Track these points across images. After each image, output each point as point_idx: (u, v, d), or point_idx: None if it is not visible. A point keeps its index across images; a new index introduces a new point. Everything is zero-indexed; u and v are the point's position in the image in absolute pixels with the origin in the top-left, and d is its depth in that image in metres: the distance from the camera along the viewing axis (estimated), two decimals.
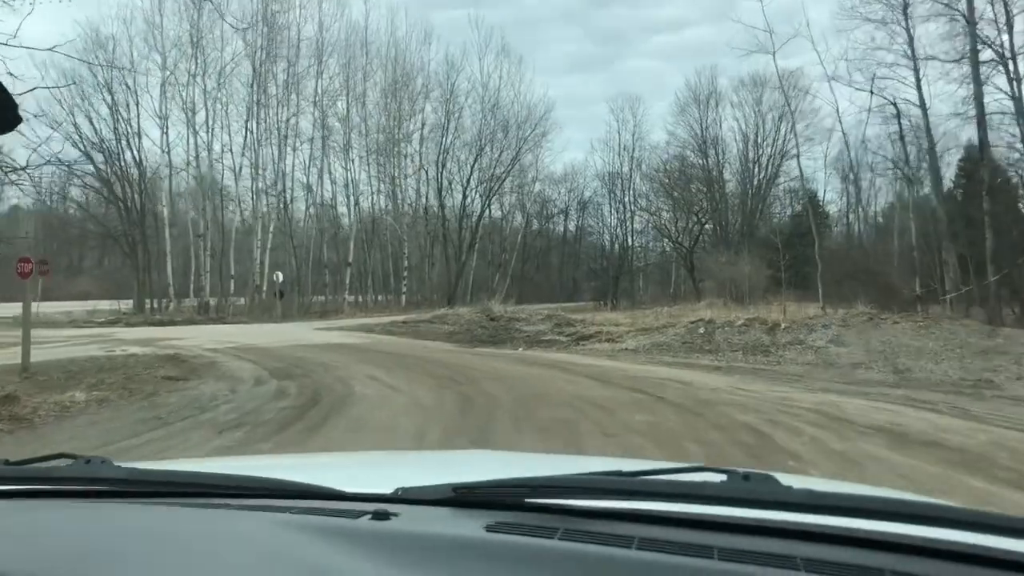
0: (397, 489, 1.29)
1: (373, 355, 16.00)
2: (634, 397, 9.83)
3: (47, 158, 11.03)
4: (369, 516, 1.17)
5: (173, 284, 32.77)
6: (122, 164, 32.12)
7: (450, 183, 46.40)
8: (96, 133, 31.80)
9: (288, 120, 37.34)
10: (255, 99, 35.10)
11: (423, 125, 44.34)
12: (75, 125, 30.92)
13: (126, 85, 32.28)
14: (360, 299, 41.97)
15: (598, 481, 1.26)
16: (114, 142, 31.98)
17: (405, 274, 43.00)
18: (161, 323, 29.65)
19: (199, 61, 33.36)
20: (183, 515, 1.22)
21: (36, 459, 1.49)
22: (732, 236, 48.37)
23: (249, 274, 35.31)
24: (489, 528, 1.12)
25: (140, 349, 16.80)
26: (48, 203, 38.58)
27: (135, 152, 32.60)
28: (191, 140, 33.98)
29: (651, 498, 1.17)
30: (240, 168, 35.24)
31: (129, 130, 32.51)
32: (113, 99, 31.79)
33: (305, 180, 39.34)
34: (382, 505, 1.20)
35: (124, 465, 1.42)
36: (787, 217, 52.03)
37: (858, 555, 1.01)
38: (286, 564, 1.02)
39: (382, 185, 43.98)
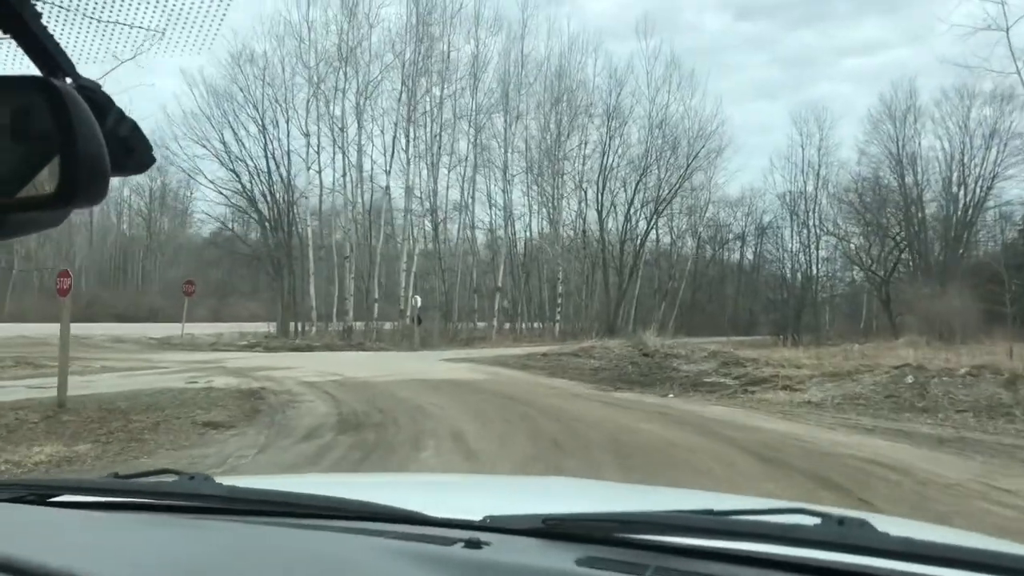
0: (486, 517, 1.29)
1: (485, 398, 13.06)
2: (820, 499, 6.19)
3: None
4: (462, 544, 1.19)
5: (317, 307, 31.47)
6: (270, 182, 31.30)
7: (612, 204, 43.22)
8: (243, 150, 31.20)
9: (439, 137, 35.59)
10: (406, 116, 33.54)
11: (584, 143, 41.51)
12: (223, 142, 30.49)
13: (276, 102, 31.56)
14: (512, 327, 39.44)
15: (690, 519, 1.26)
16: (262, 159, 31.20)
17: (560, 301, 40.07)
18: (298, 348, 28.25)
19: (347, 76, 32.19)
20: (282, 535, 1.24)
21: (143, 473, 1.54)
22: (934, 265, 42.12)
23: (395, 298, 33.63)
24: (579, 562, 1.14)
25: (230, 380, 14.76)
26: (201, 223, 38.75)
27: (282, 170, 31.73)
28: (338, 158, 32.79)
29: (743, 538, 1.17)
30: (388, 186, 33.69)
31: (279, 148, 31.70)
32: (261, 116, 31.12)
33: (460, 199, 37.43)
34: (473, 533, 1.22)
35: (225, 482, 1.46)
36: (997, 246, 45.18)
37: None
38: None
39: (539, 206, 41.45)
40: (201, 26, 0.85)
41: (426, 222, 36.38)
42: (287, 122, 31.72)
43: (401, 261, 33.08)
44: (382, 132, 33.60)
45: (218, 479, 1.47)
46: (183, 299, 30.82)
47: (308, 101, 31.53)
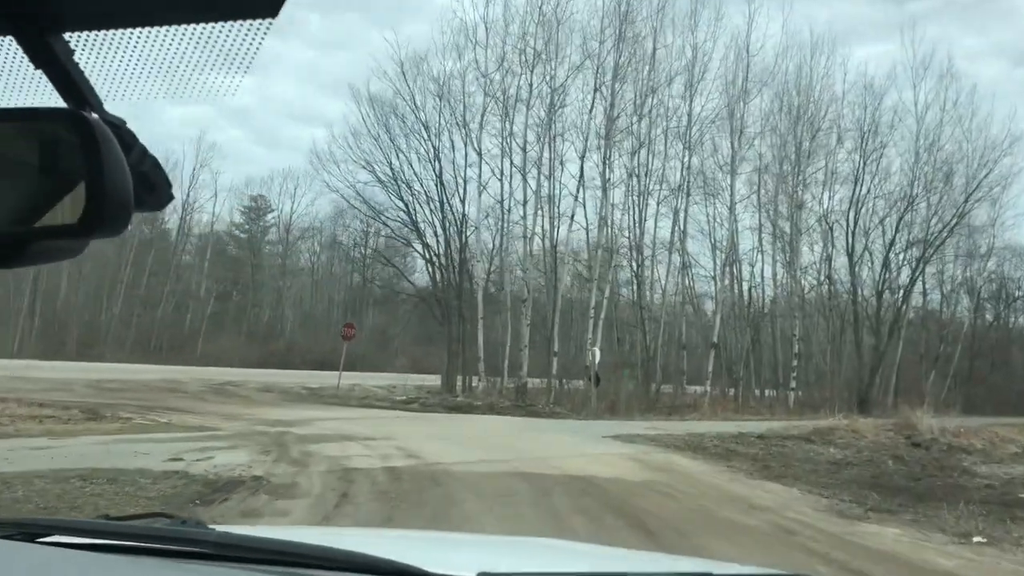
0: (480, 573, 1.29)
1: (598, 525, 6.91)
2: None
3: None
4: None
5: (484, 359, 26.36)
6: (441, 211, 26.90)
7: (866, 247, 34.77)
8: (402, 173, 27.07)
9: (646, 159, 29.61)
10: (603, 131, 28.03)
11: (833, 171, 33.68)
12: (388, 164, 26.58)
13: (449, 116, 27.28)
14: (735, 393, 32.00)
15: None
16: (426, 183, 26.91)
17: (796, 364, 32.14)
18: (458, 408, 23.22)
19: (533, 86, 27.30)
20: None
21: (134, 516, 1.63)
22: None
23: (579, 352, 27.89)
24: None
25: (234, 459, 9.75)
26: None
27: (455, 199, 27.24)
28: (516, 183, 27.77)
29: None
30: (574, 217, 28.10)
31: (449, 170, 27.31)
32: (428, 133, 26.94)
33: (670, 235, 31.07)
34: None
35: (218, 529, 1.49)
36: None
37: None
38: None
39: (771, 247, 33.98)
40: (231, 67, 0.81)
41: (625, 261, 30.37)
42: (465, 140, 27.27)
43: (590, 307, 27.25)
44: (575, 152, 28.24)
45: (211, 525, 1.50)
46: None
47: (483, 114, 26.94)
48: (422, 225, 26.89)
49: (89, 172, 0.71)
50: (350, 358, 50.10)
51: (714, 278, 33.33)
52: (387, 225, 27.71)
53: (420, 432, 14.30)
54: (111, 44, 0.79)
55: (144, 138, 0.79)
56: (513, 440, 13.78)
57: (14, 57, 0.76)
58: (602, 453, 12.39)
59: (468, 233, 27.22)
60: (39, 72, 0.76)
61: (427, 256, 27.20)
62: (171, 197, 0.81)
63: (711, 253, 33.37)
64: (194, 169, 49.33)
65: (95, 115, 0.74)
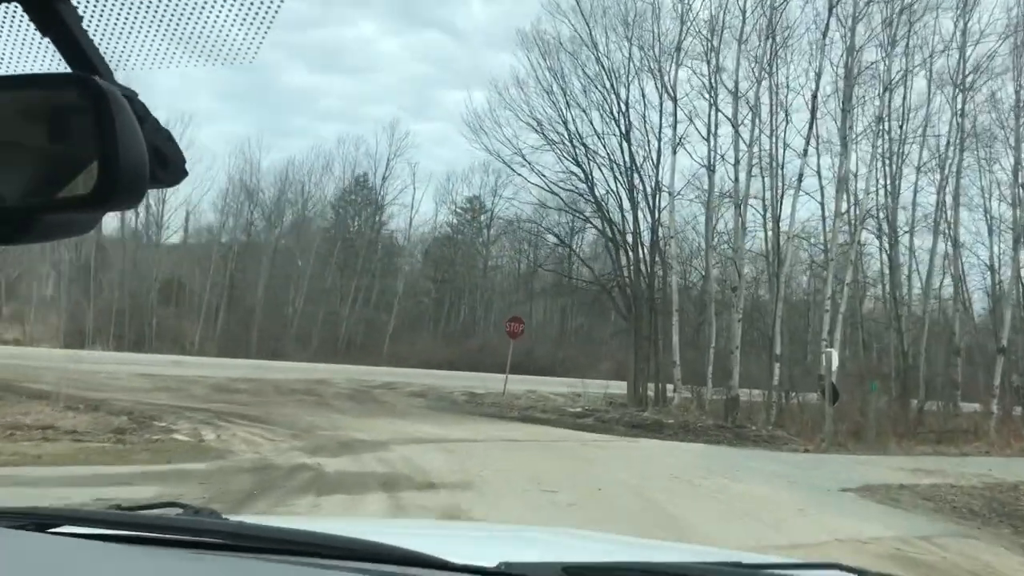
0: (500, 564, 1.24)
1: None
2: None
3: None
4: None
5: (681, 364, 20.63)
6: (628, 178, 21.51)
7: None
8: (587, 133, 21.94)
9: (888, 103, 22.47)
10: (836, 72, 21.41)
11: None
12: (564, 124, 21.63)
13: (649, 68, 21.85)
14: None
15: (717, 572, 1.22)
16: (617, 149, 21.62)
17: None
18: (642, 425, 17.89)
19: (742, 14, 21.24)
20: (288, 573, 1.22)
21: (146, 506, 1.52)
22: None
23: (811, 357, 21.38)
24: None
25: None
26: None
27: (643, 164, 21.79)
28: (726, 142, 21.77)
29: None
30: (801, 181, 21.56)
31: (646, 132, 21.89)
32: (611, 80, 21.61)
33: (936, 204, 23.55)
34: None
35: (232, 519, 1.43)
36: None
37: None
38: None
39: None
40: (245, 38, 0.77)
41: (873, 239, 23.34)
42: (659, 89, 21.71)
43: (825, 297, 20.71)
44: (803, 100, 21.76)
45: (224, 515, 1.45)
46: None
47: (679, 53, 21.21)
48: (603, 198, 21.68)
49: (102, 141, 0.68)
50: (544, 361, 45.97)
51: (991, 267, 25.36)
52: (559, 196, 22.58)
53: (527, 470, 9.28)
54: (121, 9, 0.76)
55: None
56: (684, 498, 8.32)
57: (20, 24, 0.74)
58: (841, 541, 6.59)
59: (661, 206, 21.65)
60: (46, 40, 0.74)
61: (609, 235, 21.85)
62: (185, 173, 0.76)
63: (989, 234, 25.34)
64: (388, 160, 47.05)
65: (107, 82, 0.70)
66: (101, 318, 37.53)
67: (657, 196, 21.38)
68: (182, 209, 43.87)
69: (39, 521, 1.37)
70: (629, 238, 21.57)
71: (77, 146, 0.71)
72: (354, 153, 47.81)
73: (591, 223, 21.79)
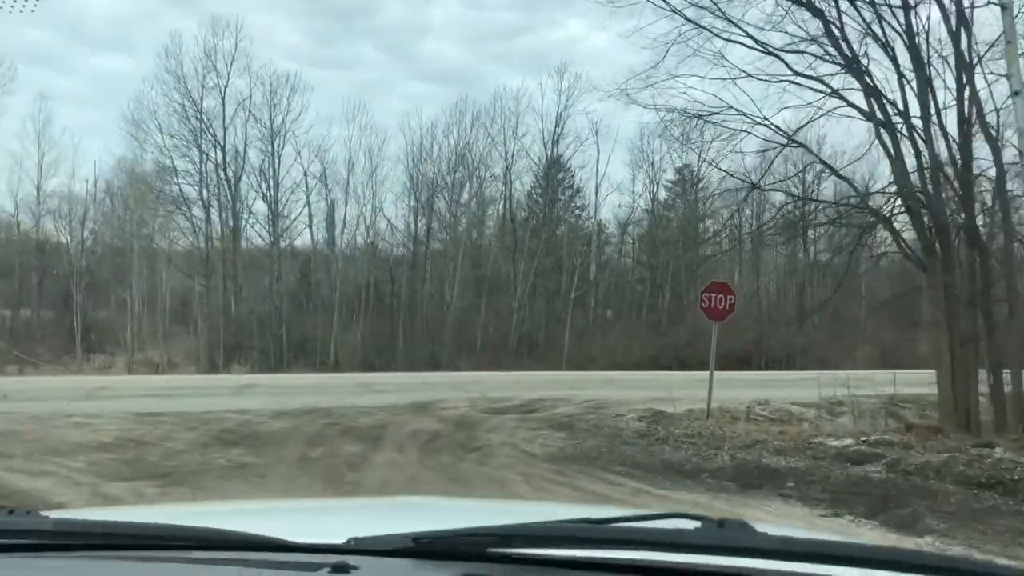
0: (351, 539, 1.19)
1: None
2: None
3: None
4: (328, 569, 1.10)
5: None
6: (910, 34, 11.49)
7: None
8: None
9: None
10: None
11: None
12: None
13: None
14: None
15: (567, 529, 1.21)
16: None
17: None
18: (994, 482, 8.27)
19: None
20: (124, 569, 1.14)
21: None
22: None
23: None
24: None
25: None
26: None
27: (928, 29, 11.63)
28: None
29: (623, 547, 1.12)
30: None
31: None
32: None
33: None
34: (340, 557, 1.13)
35: (53, 516, 1.31)
36: None
37: None
38: None
39: None
40: None
41: None
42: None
43: None
44: None
45: (44, 513, 1.32)
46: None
47: None
48: (860, 56, 11.65)
49: None
50: (775, 351, 35.36)
51: None
52: (783, 62, 12.50)
53: None
54: None
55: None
56: None
57: None
58: None
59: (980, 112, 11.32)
60: None
61: (880, 117, 11.62)
62: None
63: None
64: (558, 115, 38.52)
65: None
66: (234, 333, 32.38)
67: (970, 38, 11.22)
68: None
69: None
70: (917, 123, 11.58)
71: None
72: (514, 106, 39.29)
73: (846, 100, 11.72)
